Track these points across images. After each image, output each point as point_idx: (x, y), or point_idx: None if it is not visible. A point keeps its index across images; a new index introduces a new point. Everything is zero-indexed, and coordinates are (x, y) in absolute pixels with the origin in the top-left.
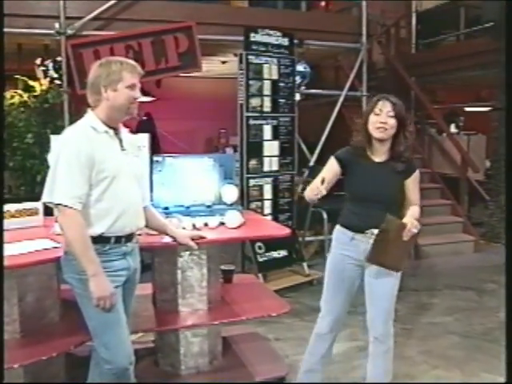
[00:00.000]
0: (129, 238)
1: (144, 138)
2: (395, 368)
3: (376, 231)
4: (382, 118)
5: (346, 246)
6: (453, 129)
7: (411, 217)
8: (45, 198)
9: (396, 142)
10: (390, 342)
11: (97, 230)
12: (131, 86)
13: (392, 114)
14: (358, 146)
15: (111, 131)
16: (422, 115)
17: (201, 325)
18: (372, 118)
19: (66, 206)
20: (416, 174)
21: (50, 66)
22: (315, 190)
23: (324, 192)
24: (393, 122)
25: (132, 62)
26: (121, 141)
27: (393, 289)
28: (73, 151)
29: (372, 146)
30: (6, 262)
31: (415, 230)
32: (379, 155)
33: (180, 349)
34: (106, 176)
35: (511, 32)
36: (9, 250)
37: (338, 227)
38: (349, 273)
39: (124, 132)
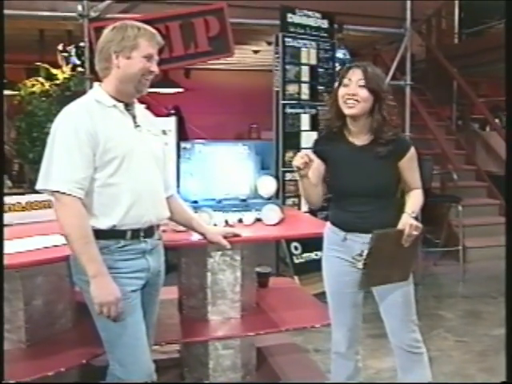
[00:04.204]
0: (148, 232)
1: (170, 122)
2: None
3: (363, 253)
4: (351, 90)
5: (338, 247)
6: None
7: (409, 214)
8: (39, 185)
9: (373, 119)
10: (422, 349)
11: (107, 222)
12: (147, 57)
13: (363, 83)
14: (333, 128)
15: (121, 105)
16: (465, 110)
17: (233, 336)
18: (341, 91)
19: (62, 192)
20: (411, 153)
21: (73, 51)
22: (304, 156)
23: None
24: (364, 93)
25: (151, 29)
26: (134, 117)
27: (406, 296)
28: (70, 128)
29: (348, 127)
30: (10, 261)
31: (415, 233)
32: (360, 137)
33: (209, 362)
34: (114, 157)
35: (511, 31)
36: (14, 246)
37: (328, 225)
38: (346, 277)
39: (139, 107)
